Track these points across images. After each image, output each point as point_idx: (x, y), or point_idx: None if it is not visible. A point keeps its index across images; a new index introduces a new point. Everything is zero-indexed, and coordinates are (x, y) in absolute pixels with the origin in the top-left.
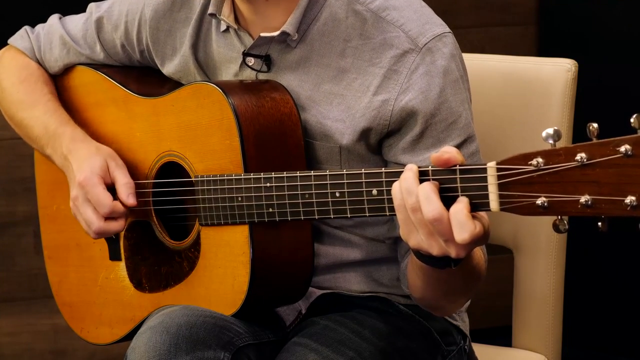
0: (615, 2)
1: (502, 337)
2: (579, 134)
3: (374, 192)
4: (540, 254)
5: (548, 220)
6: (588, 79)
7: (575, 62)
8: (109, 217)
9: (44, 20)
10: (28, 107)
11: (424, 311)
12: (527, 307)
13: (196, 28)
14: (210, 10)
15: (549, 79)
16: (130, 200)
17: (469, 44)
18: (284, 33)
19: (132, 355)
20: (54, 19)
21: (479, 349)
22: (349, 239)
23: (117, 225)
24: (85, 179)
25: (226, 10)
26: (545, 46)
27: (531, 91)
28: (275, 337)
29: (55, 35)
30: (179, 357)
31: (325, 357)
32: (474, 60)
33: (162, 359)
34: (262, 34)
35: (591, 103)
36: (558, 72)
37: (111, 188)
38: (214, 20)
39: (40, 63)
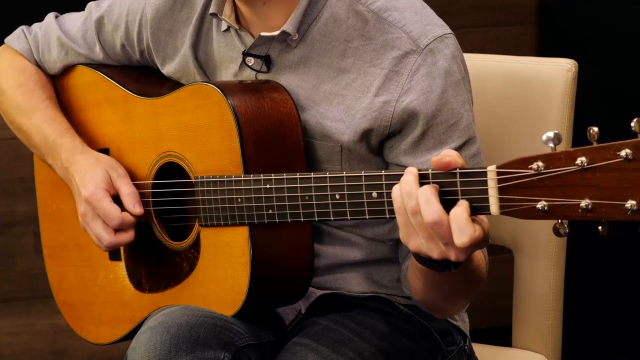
0: (615, 2)
1: (502, 337)
2: (579, 134)
3: (374, 194)
4: (540, 254)
5: (548, 221)
6: (588, 79)
7: (575, 62)
8: (119, 230)
9: (41, 18)
10: (26, 113)
11: (424, 311)
12: (527, 307)
13: (197, 28)
14: (212, 10)
15: (549, 79)
16: (137, 210)
17: (469, 44)
18: (284, 33)
19: (132, 355)
20: (50, 18)
21: (479, 349)
22: (348, 239)
23: (127, 236)
24: (91, 195)
25: (227, 10)
26: (545, 46)
27: (531, 91)
28: (275, 337)
29: (53, 36)
30: (179, 357)
31: (325, 357)
32: (474, 60)
33: (163, 359)
34: (263, 34)
35: (591, 103)
36: (558, 72)
37: (116, 197)
38: (214, 20)
39: (38, 64)
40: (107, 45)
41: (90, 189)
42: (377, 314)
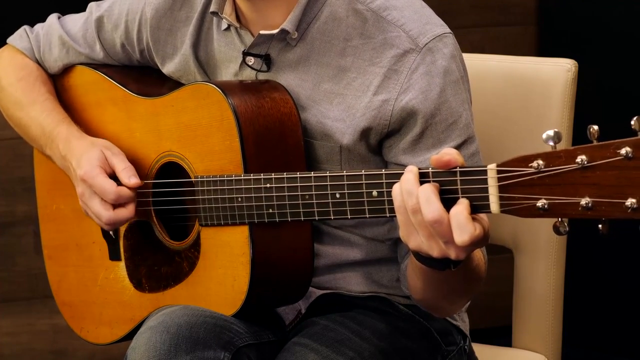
0: (615, 2)
1: (502, 337)
2: (579, 134)
3: (374, 193)
4: (540, 254)
5: (548, 220)
6: (588, 79)
7: (575, 62)
8: (118, 206)
9: (43, 19)
10: (25, 106)
11: (424, 311)
12: (527, 307)
13: (197, 27)
14: (212, 8)
15: (549, 79)
16: (133, 181)
17: (469, 44)
18: (283, 31)
19: (132, 355)
20: (52, 18)
21: (479, 349)
22: (348, 239)
23: (127, 212)
24: (86, 173)
25: (228, 8)
26: (545, 46)
27: (531, 91)
28: (275, 337)
29: (55, 35)
30: (179, 357)
31: (325, 357)
32: (474, 60)
33: (162, 359)
34: (262, 32)
35: (591, 103)
36: (558, 72)
37: (113, 177)
38: (215, 19)
39: (39, 63)
40: (108, 45)
41: (85, 168)
42: (377, 314)
